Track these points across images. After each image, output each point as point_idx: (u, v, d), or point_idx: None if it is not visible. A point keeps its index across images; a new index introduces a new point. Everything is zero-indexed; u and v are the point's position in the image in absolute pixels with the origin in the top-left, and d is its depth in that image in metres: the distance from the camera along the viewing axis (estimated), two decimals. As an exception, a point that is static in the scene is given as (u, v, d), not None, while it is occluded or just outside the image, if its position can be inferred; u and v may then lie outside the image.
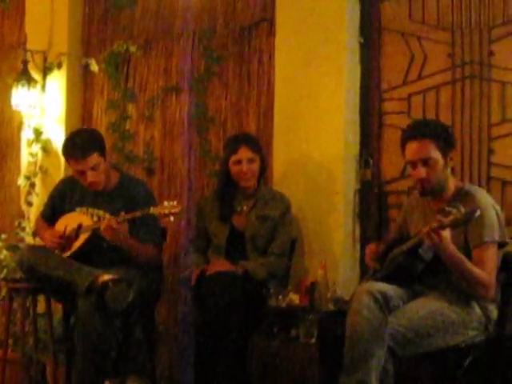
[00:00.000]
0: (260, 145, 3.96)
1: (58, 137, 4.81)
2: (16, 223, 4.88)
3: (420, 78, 3.98)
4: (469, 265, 2.99)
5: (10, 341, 4.23)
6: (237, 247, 3.84)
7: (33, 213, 4.77)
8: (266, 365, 3.53)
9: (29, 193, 4.87)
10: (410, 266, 3.11)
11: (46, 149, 4.87)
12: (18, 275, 3.96)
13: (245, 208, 3.88)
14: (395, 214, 3.83)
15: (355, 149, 4.08)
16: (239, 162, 3.81)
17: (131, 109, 4.78)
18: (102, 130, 4.66)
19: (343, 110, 4.01)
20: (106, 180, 3.84)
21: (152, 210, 3.54)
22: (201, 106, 4.50)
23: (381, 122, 4.09)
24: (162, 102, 4.68)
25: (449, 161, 3.14)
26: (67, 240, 3.79)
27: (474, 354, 3.04)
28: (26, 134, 4.94)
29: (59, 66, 4.86)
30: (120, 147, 4.74)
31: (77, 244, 3.77)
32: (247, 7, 4.40)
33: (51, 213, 4.00)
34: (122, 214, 3.61)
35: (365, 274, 3.66)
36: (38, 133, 4.88)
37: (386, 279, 3.13)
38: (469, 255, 3.03)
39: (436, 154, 3.10)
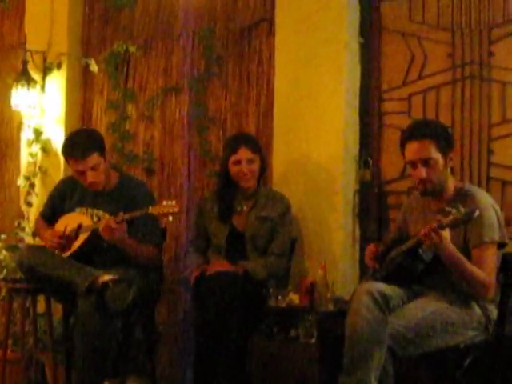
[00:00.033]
0: (260, 145, 3.96)
1: (57, 137, 4.81)
2: (16, 223, 4.87)
3: (420, 78, 3.98)
4: (468, 265, 2.99)
5: (10, 341, 4.22)
6: (237, 247, 3.84)
7: (32, 213, 4.77)
8: (266, 365, 3.53)
9: (28, 193, 4.86)
10: (409, 266, 3.12)
11: (46, 149, 4.87)
12: (18, 275, 3.96)
13: (245, 208, 3.88)
14: (395, 215, 3.82)
15: (355, 149, 4.07)
16: (239, 162, 3.81)
17: (131, 109, 4.78)
18: (102, 130, 4.66)
19: (343, 110, 4.01)
20: (105, 180, 3.84)
21: (151, 209, 3.54)
22: (201, 106, 4.50)
23: (381, 122, 4.08)
24: (161, 102, 4.68)
25: (449, 161, 3.14)
26: (67, 240, 3.79)
27: (474, 354, 3.04)
28: (26, 134, 4.93)
29: (59, 66, 4.86)
30: (120, 147, 4.74)
31: (76, 244, 3.77)
32: (247, 7, 4.41)
33: (51, 213, 4.00)
34: (121, 214, 3.61)
35: (364, 274, 3.66)
36: (37, 133, 4.88)
37: (386, 279, 3.13)
38: (468, 255, 3.03)
39: (436, 154, 3.10)
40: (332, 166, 4.01)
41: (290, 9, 4.15)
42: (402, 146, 3.19)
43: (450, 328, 3.00)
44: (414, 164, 3.13)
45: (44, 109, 4.89)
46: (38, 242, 4.26)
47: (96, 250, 3.77)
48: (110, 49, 4.81)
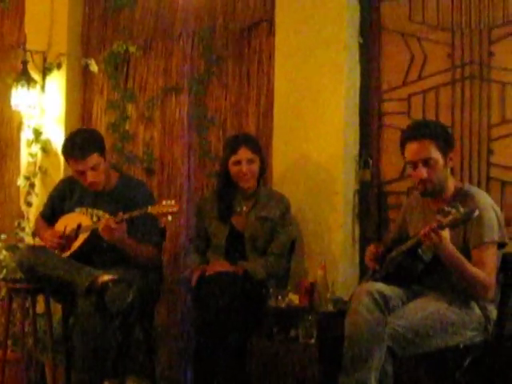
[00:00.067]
0: (260, 145, 3.96)
1: (57, 137, 4.81)
2: (16, 223, 4.87)
3: (420, 78, 3.98)
4: (468, 265, 2.99)
5: (10, 341, 4.23)
6: (236, 247, 3.84)
7: (32, 213, 4.77)
8: (266, 365, 3.52)
9: (28, 193, 4.86)
10: (409, 267, 3.12)
11: (46, 149, 4.86)
12: (18, 275, 3.96)
13: (244, 208, 3.88)
14: (395, 215, 3.82)
15: (355, 149, 4.08)
16: (239, 162, 3.80)
17: (131, 109, 4.78)
18: (102, 130, 4.66)
19: (343, 110, 4.01)
20: (105, 180, 3.84)
21: (150, 209, 3.54)
22: (201, 106, 4.50)
23: (380, 122, 4.09)
24: (161, 103, 4.68)
25: (448, 161, 3.15)
26: (67, 240, 3.79)
27: (474, 354, 3.05)
28: (26, 135, 4.93)
29: (59, 66, 4.86)
30: (120, 147, 4.74)
31: (76, 244, 3.77)
32: (247, 7, 4.41)
33: (51, 213, 4.00)
34: (120, 214, 3.61)
35: (364, 274, 3.66)
36: (37, 133, 4.87)
37: (386, 279, 3.13)
38: (468, 256, 3.03)
39: (436, 155, 3.10)
40: (332, 166, 4.01)
41: (290, 9, 4.15)
42: (402, 146, 3.19)
43: (450, 328, 3.00)
44: (414, 164, 3.13)
45: (44, 109, 4.89)
46: (37, 241, 4.26)
47: (96, 250, 3.77)
48: (109, 49, 4.81)
